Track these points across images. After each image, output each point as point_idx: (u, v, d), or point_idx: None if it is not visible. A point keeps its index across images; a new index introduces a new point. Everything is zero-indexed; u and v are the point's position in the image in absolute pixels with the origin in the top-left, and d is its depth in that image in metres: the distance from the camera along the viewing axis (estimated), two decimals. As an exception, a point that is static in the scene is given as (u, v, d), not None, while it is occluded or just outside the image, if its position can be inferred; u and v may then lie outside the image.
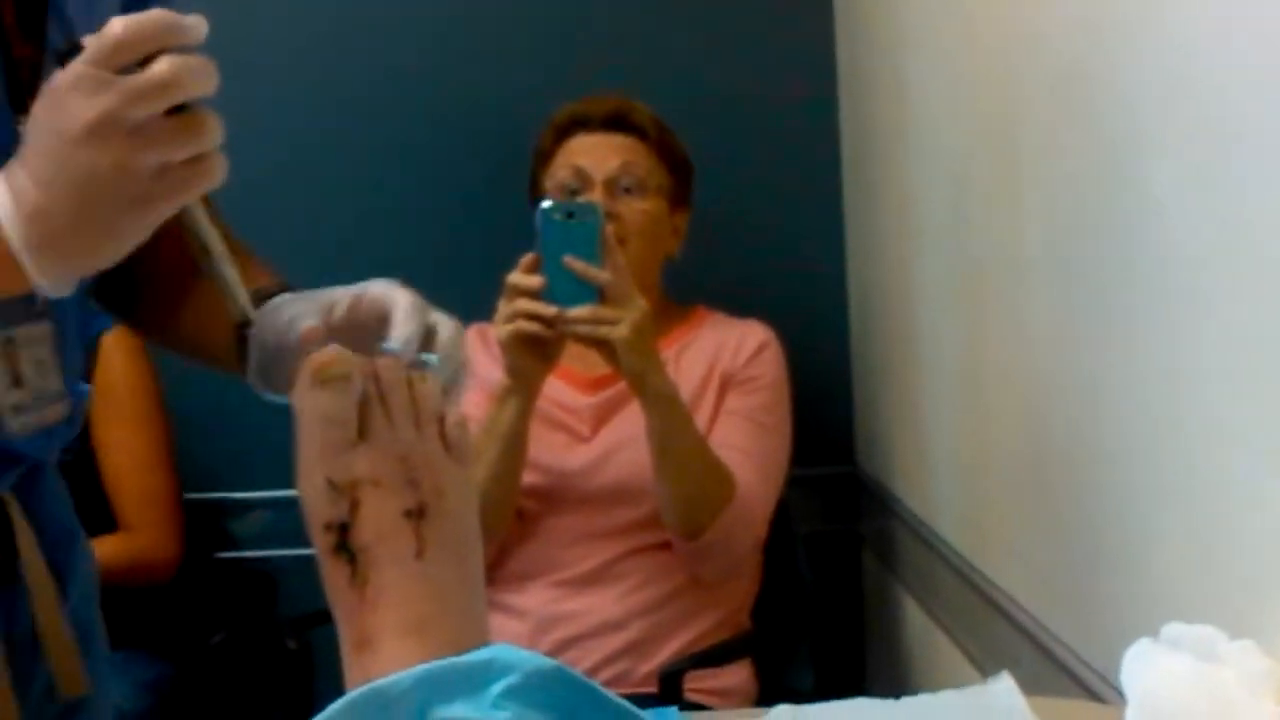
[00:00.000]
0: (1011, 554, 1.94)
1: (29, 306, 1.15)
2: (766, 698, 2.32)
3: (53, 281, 1.02)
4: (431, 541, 0.98)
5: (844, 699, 1.33)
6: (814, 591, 2.60)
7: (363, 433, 0.99)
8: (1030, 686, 1.31)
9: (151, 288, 1.36)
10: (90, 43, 0.97)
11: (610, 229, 2.15)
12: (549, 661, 0.84)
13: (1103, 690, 1.52)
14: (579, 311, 2.06)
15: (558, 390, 2.34)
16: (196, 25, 0.98)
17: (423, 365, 1.07)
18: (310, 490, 0.98)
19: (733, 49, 2.90)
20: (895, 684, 2.65)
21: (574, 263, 2.06)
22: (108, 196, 0.97)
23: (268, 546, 2.85)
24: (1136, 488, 1.47)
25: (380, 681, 0.83)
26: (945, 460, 2.29)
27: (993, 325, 1.97)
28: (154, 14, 0.98)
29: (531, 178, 2.50)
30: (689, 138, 2.54)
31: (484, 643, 0.99)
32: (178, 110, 0.98)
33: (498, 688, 0.82)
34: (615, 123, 2.45)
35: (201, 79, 0.98)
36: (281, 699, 2.56)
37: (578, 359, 2.30)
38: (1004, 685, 1.30)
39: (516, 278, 2.06)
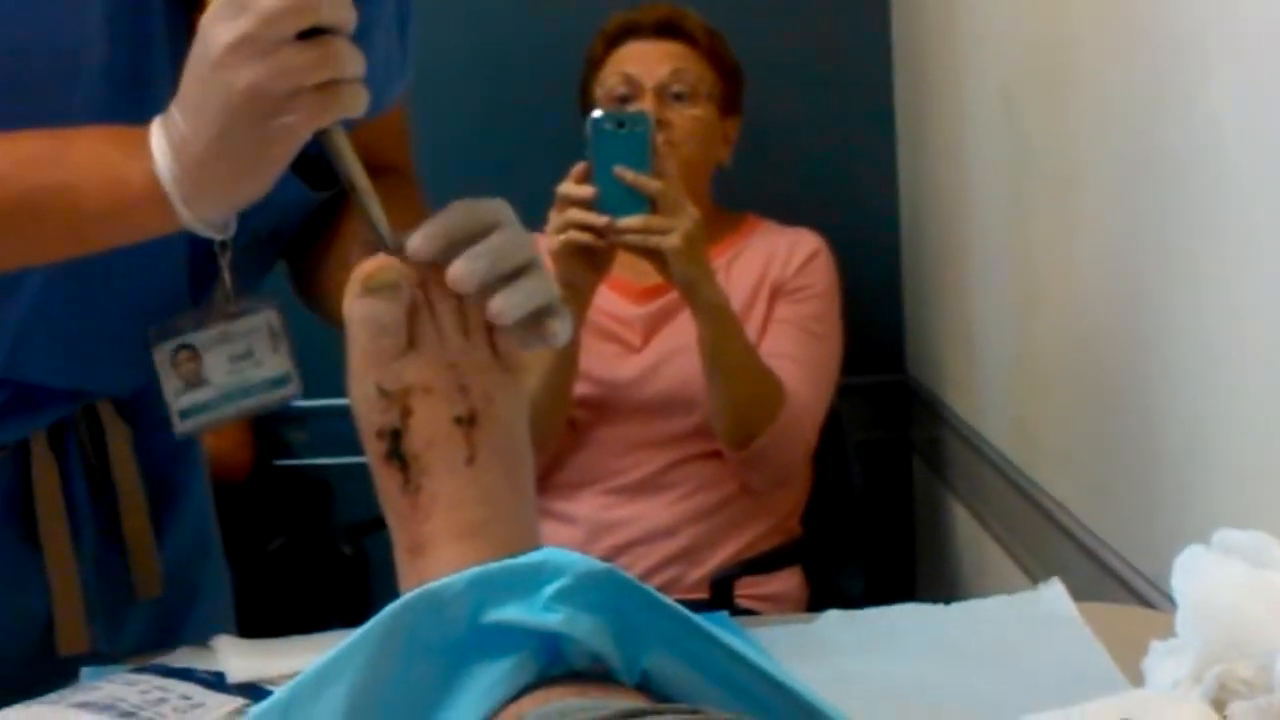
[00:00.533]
0: (1062, 461, 1.94)
1: (223, 307, 1.17)
2: (817, 603, 2.34)
3: (198, 215, 1.03)
4: (482, 447, 0.99)
5: (894, 605, 1.34)
6: (864, 499, 2.61)
7: (412, 340, 1.00)
8: (1080, 593, 1.31)
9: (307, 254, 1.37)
10: None
11: (661, 137, 2.14)
12: (601, 564, 0.85)
13: (1153, 596, 1.52)
14: (630, 221, 2.06)
15: (609, 300, 2.34)
16: None
17: None
18: (361, 398, 0.99)
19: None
20: (945, 591, 2.66)
21: (624, 172, 2.05)
22: (243, 120, 0.98)
23: (324, 454, 2.88)
24: (1187, 395, 1.47)
25: (433, 584, 0.84)
26: (995, 368, 2.29)
27: (1044, 233, 1.96)
28: None
29: (582, 86, 2.50)
30: (740, 45, 2.53)
31: (536, 547, 1.00)
32: (313, 36, 0.99)
33: (550, 590, 0.83)
34: (666, 29, 2.44)
35: (335, 5, 0.99)
36: (337, 604, 2.59)
37: (628, 268, 2.30)
38: (1054, 591, 1.30)
39: (567, 188, 2.06)
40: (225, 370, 1.16)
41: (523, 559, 0.85)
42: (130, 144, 1.03)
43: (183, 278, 1.23)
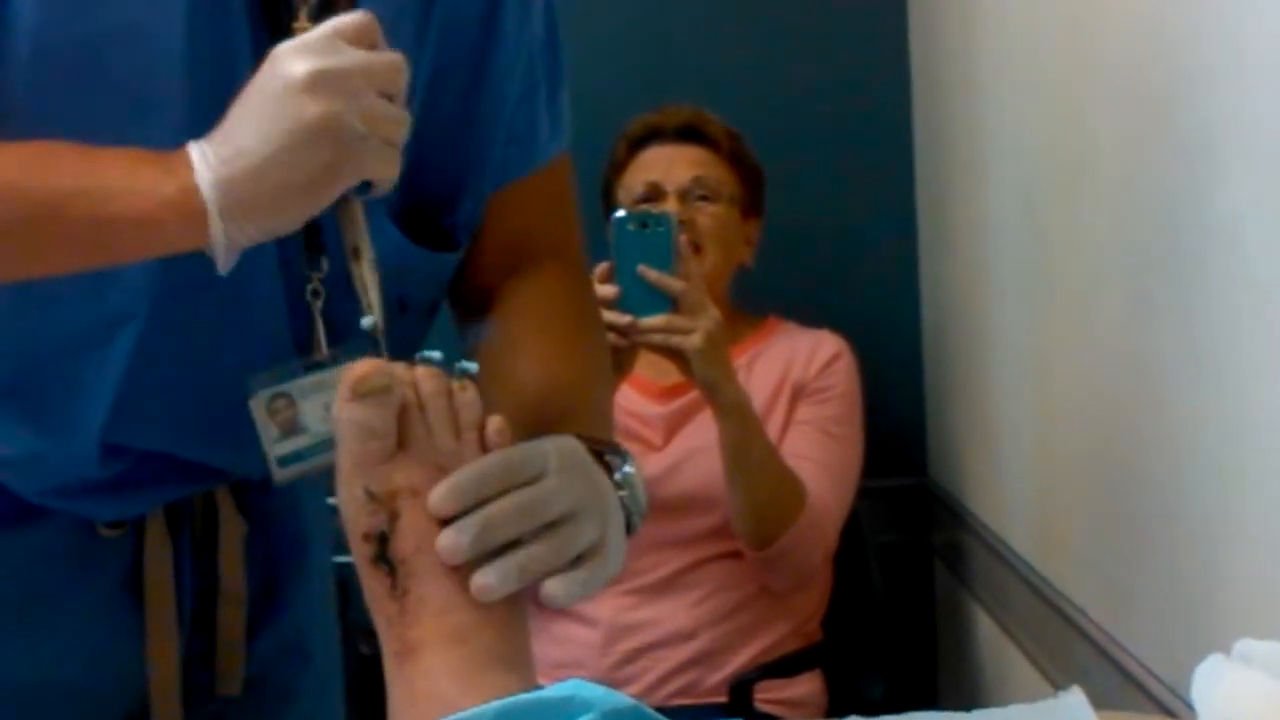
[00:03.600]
0: (1083, 566, 1.93)
1: (318, 354, 1.18)
2: (836, 709, 2.32)
3: (229, 231, 1.03)
4: None
5: (914, 711, 1.32)
6: (885, 602, 2.59)
7: (402, 443, 1.00)
8: (1101, 701, 1.30)
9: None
10: (327, 22, 1.04)
11: (684, 237, 2.16)
12: (626, 700, 0.84)
13: (1174, 705, 1.51)
14: (653, 321, 2.07)
15: (630, 399, 2.35)
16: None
17: (463, 374, 1.08)
18: (349, 500, 0.99)
19: (807, 58, 2.89)
20: (966, 696, 2.64)
21: (648, 272, 2.06)
22: (309, 144, 1.01)
23: (341, 552, 2.87)
24: (1210, 502, 1.46)
25: (461, 714, 0.83)
26: (1017, 472, 2.28)
27: (1066, 337, 1.96)
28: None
29: (605, 188, 2.51)
30: (761, 146, 2.54)
31: (525, 651, 0.99)
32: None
33: None
34: (688, 134, 2.46)
35: (406, 84, 1.06)
36: (355, 704, 2.58)
37: (650, 367, 2.31)
38: (1075, 699, 1.29)
39: (590, 287, 2.07)
40: (321, 417, 1.14)
41: (550, 692, 0.85)
42: (166, 159, 1.04)
43: (285, 331, 1.22)
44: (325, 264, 1.14)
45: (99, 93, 1.11)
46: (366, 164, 1.04)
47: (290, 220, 1.05)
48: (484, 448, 1.02)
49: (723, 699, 2.19)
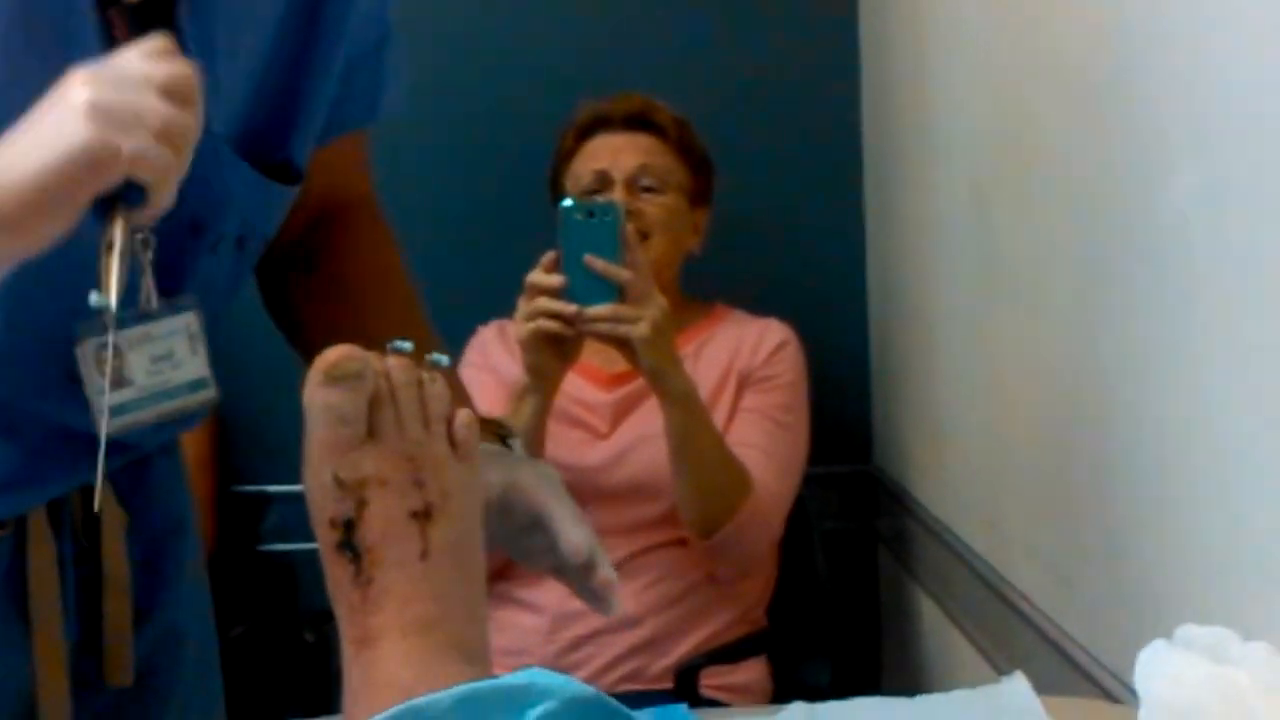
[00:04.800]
0: (1027, 553, 1.95)
1: (145, 306, 1.16)
2: (782, 695, 2.33)
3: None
4: (436, 543, 0.99)
5: (859, 696, 1.33)
6: (830, 589, 2.60)
7: (372, 431, 0.99)
8: (1044, 686, 1.32)
9: (320, 283, 1.42)
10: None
11: (631, 228, 2.16)
12: (587, 689, 0.84)
13: (1117, 690, 1.52)
14: (599, 310, 2.07)
15: (576, 387, 2.35)
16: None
17: (433, 365, 1.07)
18: (317, 486, 0.99)
19: (755, 46, 2.90)
20: (910, 681, 2.65)
21: (594, 261, 2.06)
22: (78, 125, 0.98)
23: (289, 540, 2.87)
24: (1152, 489, 1.48)
25: (418, 700, 0.83)
26: (962, 459, 2.29)
27: (1011, 325, 1.97)
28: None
29: (552, 176, 2.51)
30: (710, 135, 2.55)
31: (484, 643, 0.99)
32: None
33: (534, 713, 0.82)
34: (636, 122, 2.46)
35: (197, 104, 1.03)
36: (300, 692, 2.57)
37: (597, 354, 2.31)
38: (1018, 684, 1.30)
39: (537, 276, 2.07)
40: (147, 371, 1.14)
41: (509, 679, 0.85)
42: None
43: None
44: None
45: None
46: (135, 149, 1.00)
47: (50, 230, 1.02)
48: (452, 440, 1.02)
49: (669, 685, 2.19)
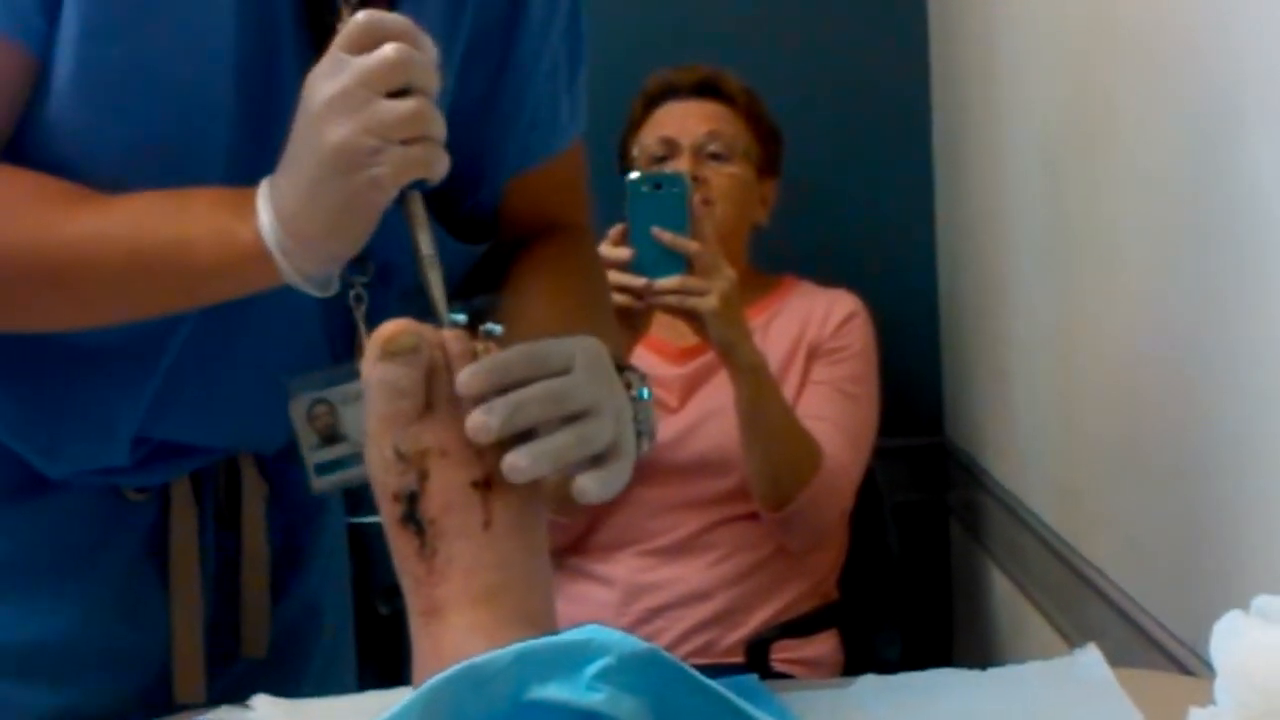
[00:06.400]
0: (1100, 525, 1.93)
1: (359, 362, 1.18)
2: (853, 668, 2.33)
3: (297, 268, 1.05)
4: (498, 512, 0.99)
5: (930, 669, 1.33)
6: (901, 562, 2.60)
7: (430, 403, 1.00)
8: (1117, 658, 1.30)
9: None
10: (340, 30, 1.04)
11: (698, 196, 2.15)
12: (644, 645, 0.84)
13: (1191, 663, 1.51)
14: (667, 282, 2.07)
15: (646, 361, 2.34)
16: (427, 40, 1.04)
17: (489, 334, 1.08)
18: (378, 460, 0.99)
19: (823, 17, 2.89)
20: (982, 655, 2.64)
21: (662, 234, 2.06)
22: (331, 172, 1.01)
23: (360, 513, 2.88)
24: (1228, 459, 1.46)
25: (477, 659, 0.84)
26: (1034, 431, 2.28)
27: (1085, 295, 1.95)
28: (394, 15, 1.04)
29: (621, 147, 2.51)
30: (778, 106, 2.54)
31: (550, 612, 1.00)
32: (401, 96, 1.02)
33: (593, 669, 0.82)
34: (704, 90, 2.46)
35: (424, 70, 1.03)
36: (373, 663, 2.59)
37: (666, 329, 2.31)
38: (1091, 657, 1.29)
39: (605, 249, 2.07)
40: (361, 427, 1.16)
41: (567, 636, 0.85)
42: (242, 201, 1.06)
43: (318, 334, 1.23)
44: (371, 268, 1.14)
45: (149, 108, 1.11)
46: (389, 175, 1.03)
47: (345, 245, 1.06)
48: None
49: (740, 659, 2.19)
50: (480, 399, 0.99)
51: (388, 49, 1.02)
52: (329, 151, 1.01)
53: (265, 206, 1.04)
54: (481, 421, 0.98)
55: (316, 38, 1.09)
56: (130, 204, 1.08)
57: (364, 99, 1.01)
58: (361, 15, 1.03)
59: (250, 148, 1.09)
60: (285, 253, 1.04)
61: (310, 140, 1.02)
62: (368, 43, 1.02)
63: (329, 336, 1.24)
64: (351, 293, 1.14)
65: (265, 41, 1.13)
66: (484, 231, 1.29)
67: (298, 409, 1.16)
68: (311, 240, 1.04)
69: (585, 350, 1.05)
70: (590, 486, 1.02)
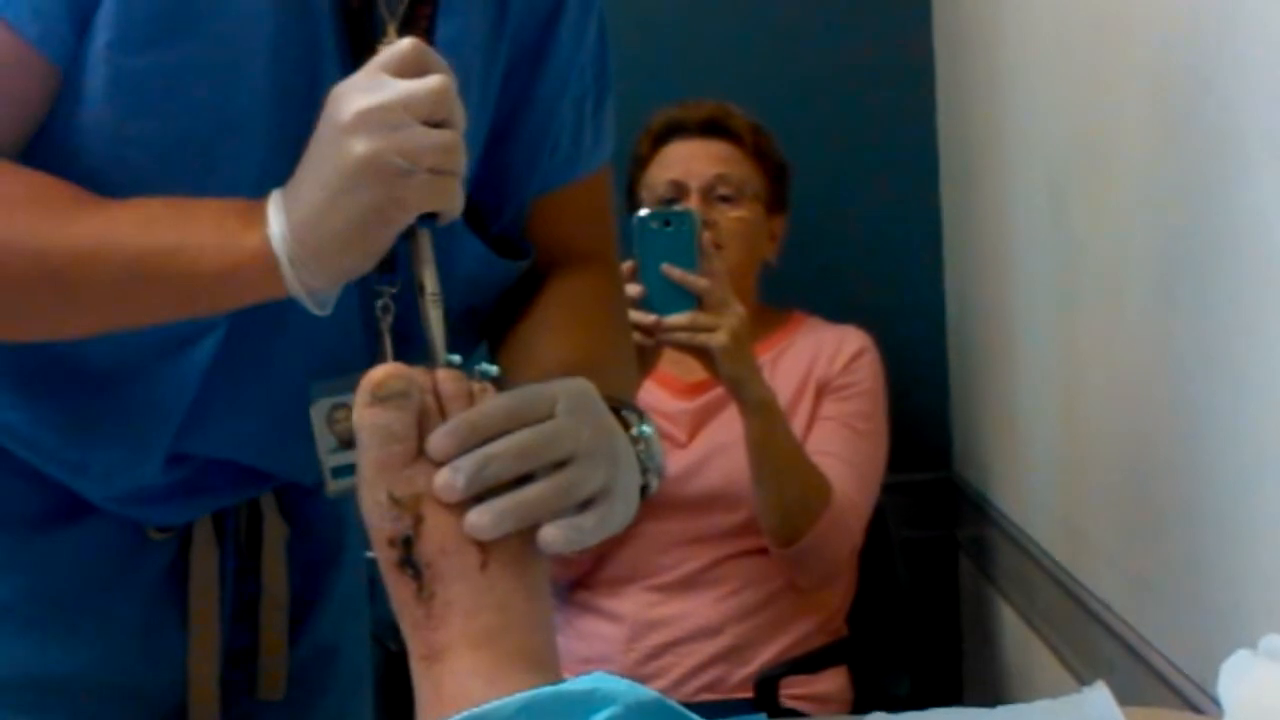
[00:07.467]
0: (1109, 561, 1.93)
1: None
2: (862, 704, 2.32)
3: (303, 279, 1.04)
4: (495, 553, 0.99)
5: (940, 706, 1.33)
6: (910, 597, 2.59)
7: (423, 447, 1.00)
8: (1126, 696, 1.30)
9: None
10: (381, 51, 1.05)
11: (708, 237, 2.16)
12: (650, 693, 0.84)
13: (1200, 701, 1.51)
14: (677, 319, 2.07)
15: (655, 396, 2.35)
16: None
17: (485, 376, 1.08)
18: (373, 505, 0.99)
19: (830, 51, 2.89)
20: (991, 691, 2.63)
21: (671, 270, 2.06)
22: (356, 185, 1.01)
23: (369, 548, 2.88)
24: (1235, 497, 1.46)
25: (484, 707, 0.84)
26: (1042, 466, 2.28)
27: (1090, 332, 1.96)
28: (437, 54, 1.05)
29: (628, 184, 2.51)
30: (785, 141, 2.54)
31: (551, 651, 1.00)
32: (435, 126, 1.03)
33: (598, 719, 0.83)
34: (711, 128, 2.46)
35: (460, 108, 1.04)
36: (382, 701, 2.58)
37: (675, 364, 2.31)
38: (1099, 694, 1.29)
39: (613, 286, 2.07)
40: None
41: (572, 685, 0.85)
42: (250, 211, 1.05)
43: (360, 346, 1.22)
44: (398, 280, 1.14)
45: (182, 119, 1.11)
46: (413, 199, 1.03)
47: (357, 262, 1.06)
48: None
49: (748, 695, 2.19)
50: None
51: (436, 78, 1.02)
52: (352, 162, 1.01)
53: (277, 215, 1.04)
54: (447, 479, 0.98)
55: (356, 57, 1.09)
56: (135, 208, 1.08)
57: (402, 120, 1.01)
58: (412, 41, 1.04)
59: (284, 164, 1.08)
60: (293, 263, 1.03)
61: (333, 150, 1.02)
62: (414, 69, 1.03)
63: (368, 347, 1.23)
64: (379, 303, 1.14)
65: (305, 57, 1.13)
66: (521, 252, 1.29)
67: (318, 412, 1.16)
68: (322, 252, 1.04)
69: (570, 394, 1.04)
70: (554, 537, 1.01)
